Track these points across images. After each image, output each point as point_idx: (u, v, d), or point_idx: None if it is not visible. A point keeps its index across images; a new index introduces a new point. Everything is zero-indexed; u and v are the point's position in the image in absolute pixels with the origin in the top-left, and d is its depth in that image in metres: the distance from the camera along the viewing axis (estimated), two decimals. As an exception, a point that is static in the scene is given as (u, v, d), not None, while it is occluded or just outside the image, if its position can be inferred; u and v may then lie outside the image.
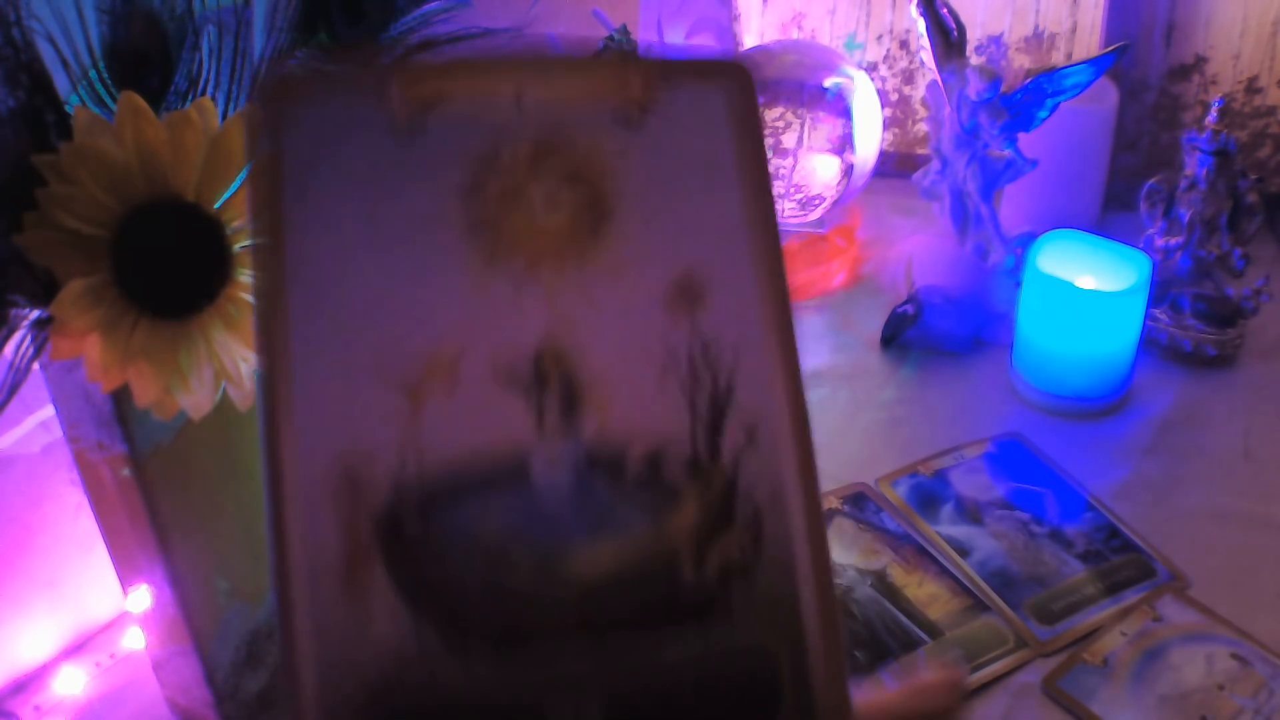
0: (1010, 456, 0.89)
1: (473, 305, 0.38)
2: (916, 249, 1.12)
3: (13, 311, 0.50)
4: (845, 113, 1.12)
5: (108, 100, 0.53)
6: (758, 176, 0.40)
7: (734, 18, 1.30)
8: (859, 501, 0.85)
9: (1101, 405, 0.94)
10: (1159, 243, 1.01)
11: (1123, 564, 0.79)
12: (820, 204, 1.15)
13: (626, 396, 0.39)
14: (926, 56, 1.06)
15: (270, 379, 0.37)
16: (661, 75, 0.40)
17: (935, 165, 1.12)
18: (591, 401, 0.39)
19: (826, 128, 1.12)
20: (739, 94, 0.41)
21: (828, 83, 1.12)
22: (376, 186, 0.39)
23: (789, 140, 1.12)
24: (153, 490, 0.58)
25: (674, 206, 0.40)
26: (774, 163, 1.13)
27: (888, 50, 1.27)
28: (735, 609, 0.39)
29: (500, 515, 0.38)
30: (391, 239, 0.38)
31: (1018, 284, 0.98)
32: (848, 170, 1.14)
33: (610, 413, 0.39)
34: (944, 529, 0.82)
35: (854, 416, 0.95)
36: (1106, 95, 1.13)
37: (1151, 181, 1.02)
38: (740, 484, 0.39)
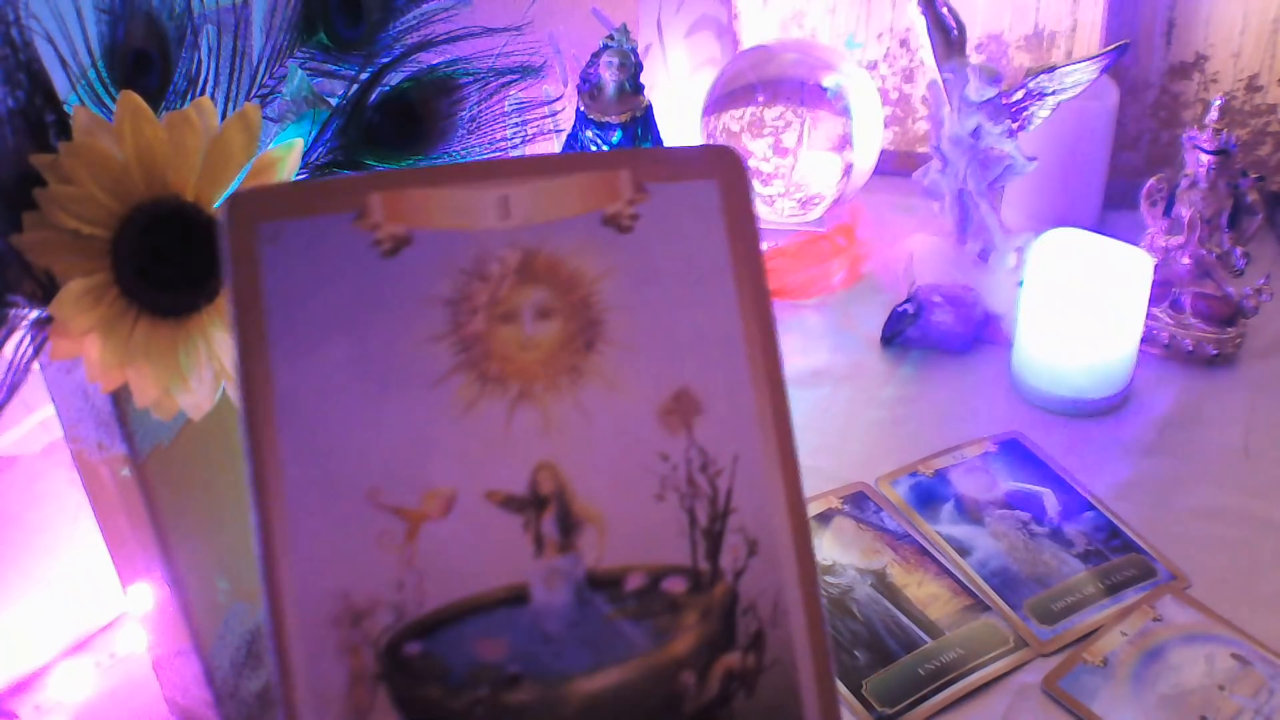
0: (1010, 456, 0.89)
1: (467, 434, 0.38)
2: (917, 248, 1.12)
3: (13, 311, 0.50)
4: (845, 111, 1.12)
5: (107, 100, 0.53)
6: (753, 272, 0.39)
7: (733, 16, 1.30)
8: (859, 501, 0.85)
9: (1101, 405, 0.94)
10: (1159, 242, 1.01)
11: (1123, 564, 0.79)
12: (820, 203, 1.15)
13: (625, 514, 0.38)
14: (927, 55, 1.06)
15: (264, 511, 0.37)
16: (652, 173, 0.39)
17: (935, 164, 1.12)
18: (590, 521, 0.38)
19: (826, 126, 1.12)
20: (732, 184, 0.39)
21: (828, 81, 1.12)
22: (362, 307, 0.37)
23: (789, 139, 1.12)
24: (153, 490, 0.58)
25: (668, 313, 0.39)
26: (774, 161, 1.13)
27: (888, 49, 1.27)
28: (737, 715, 0.38)
29: (501, 635, 0.38)
30: (381, 366, 0.37)
31: (1018, 283, 0.98)
32: (848, 169, 1.14)
33: (609, 531, 0.38)
34: (944, 529, 0.82)
35: (854, 416, 0.95)
36: (1107, 93, 1.13)
37: (1152, 180, 1.02)
38: (742, 596, 0.39)
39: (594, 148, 0.93)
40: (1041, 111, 1.03)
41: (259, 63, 0.59)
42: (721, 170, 0.40)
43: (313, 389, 0.37)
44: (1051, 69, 1.01)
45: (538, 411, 0.38)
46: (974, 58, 1.13)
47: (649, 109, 0.94)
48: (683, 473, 0.39)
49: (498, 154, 0.67)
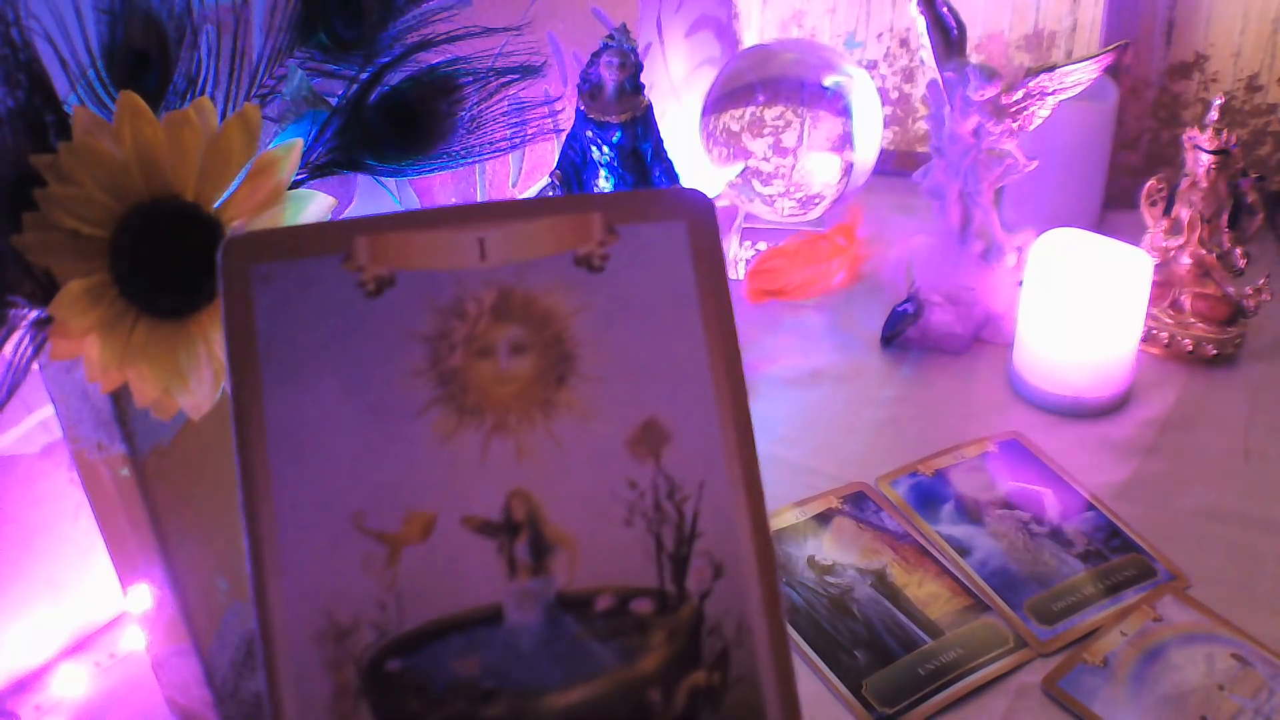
0: (1010, 456, 0.89)
1: (445, 462, 0.40)
2: (916, 248, 1.12)
3: (13, 311, 0.50)
4: (845, 111, 1.12)
5: (106, 100, 0.53)
6: (720, 310, 0.41)
7: (733, 16, 1.30)
8: (859, 501, 0.85)
9: (1101, 405, 0.94)
10: (1159, 242, 1.01)
11: (1123, 564, 0.79)
12: (820, 202, 1.15)
13: (595, 539, 0.41)
14: (926, 55, 1.06)
15: (255, 535, 0.39)
16: (622, 215, 0.41)
17: (935, 163, 1.11)
18: (561, 545, 0.40)
19: (826, 126, 1.12)
20: (699, 224, 0.42)
21: (828, 81, 1.12)
22: (348, 344, 0.40)
23: (789, 139, 1.12)
24: (153, 490, 0.58)
25: (638, 348, 0.41)
26: (774, 161, 1.13)
27: (888, 48, 1.26)
28: None
29: (477, 653, 0.40)
30: (365, 399, 0.40)
31: (1018, 283, 0.98)
32: (848, 169, 1.14)
33: (579, 555, 0.40)
34: (944, 529, 0.82)
35: (854, 416, 0.95)
36: (1107, 93, 1.13)
37: (1152, 180, 1.02)
38: (707, 617, 0.41)
39: (594, 148, 0.93)
40: (1041, 111, 1.03)
41: (259, 63, 0.59)
42: (689, 212, 0.42)
43: (302, 420, 0.39)
44: (1051, 69, 1.01)
45: (512, 441, 0.40)
46: (974, 57, 1.13)
47: (649, 109, 0.93)
48: (650, 499, 0.41)
49: (497, 153, 0.67)
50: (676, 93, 1.24)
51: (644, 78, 0.93)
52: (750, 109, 1.12)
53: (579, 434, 0.41)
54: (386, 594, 0.39)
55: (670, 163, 0.96)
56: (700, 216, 0.42)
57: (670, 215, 0.42)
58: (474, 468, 0.40)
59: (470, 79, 0.66)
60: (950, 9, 1.05)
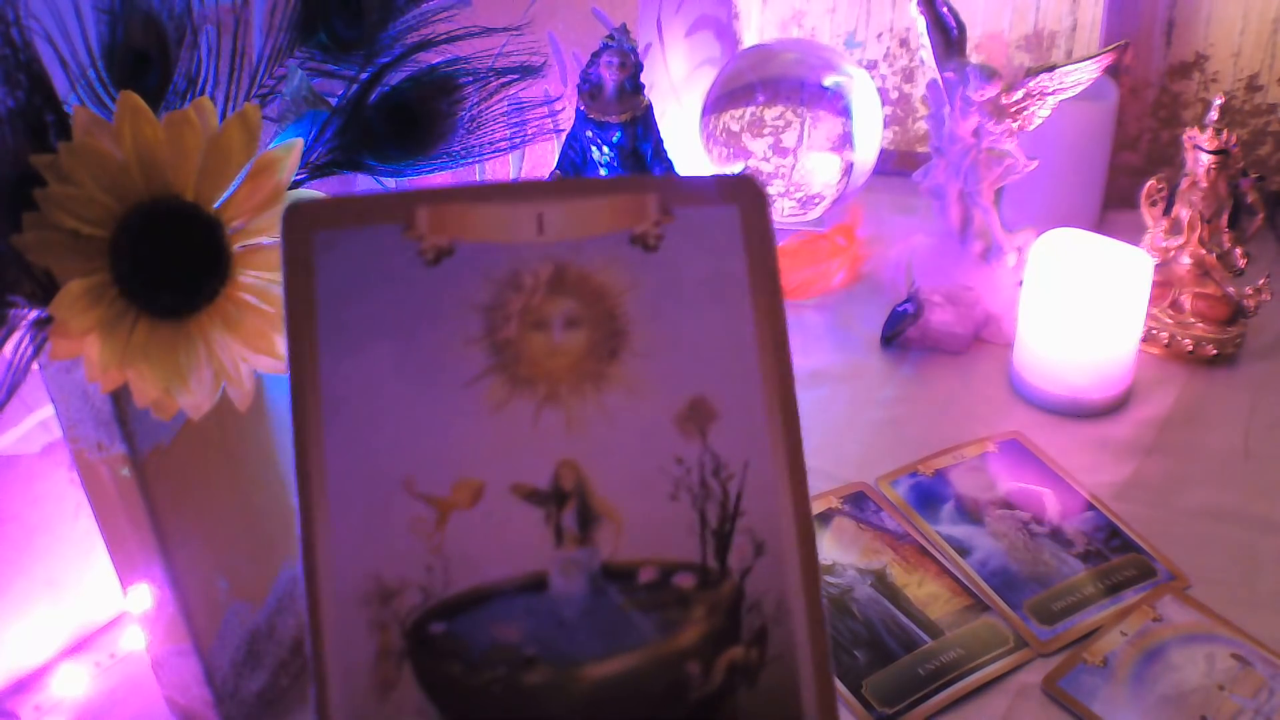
0: (1010, 456, 0.89)
1: (496, 431, 0.41)
2: (916, 248, 1.12)
3: (13, 311, 0.50)
4: (845, 111, 1.12)
5: (107, 100, 0.53)
6: (770, 293, 0.42)
7: (733, 16, 1.30)
8: (859, 501, 0.85)
9: (1101, 405, 0.94)
10: (1159, 242, 1.01)
11: (1123, 564, 0.79)
12: (820, 202, 1.15)
13: (640, 511, 0.41)
14: (926, 55, 1.06)
15: (305, 497, 0.40)
16: (678, 198, 0.42)
17: (935, 163, 1.11)
18: (607, 516, 0.41)
19: (826, 126, 1.12)
20: (752, 211, 0.43)
21: (828, 81, 1.12)
22: (405, 311, 0.41)
23: (789, 139, 1.12)
24: (153, 490, 0.58)
25: (688, 327, 0.42)
26: (774, 161, 1.13)
27: (888, 48, 1.26)
28: (739, 707, 0.41)
29: (520, 619, 0.41)
30: (420, 366, 0.40)
31: (1018, 283, 0.98)
32: (848, 169, 1.14)
33: (625, 527, 0.41)
34: (944, 529, 0.82)
35: (854, 416, 0.95)
36: (1107, 93, 1.13)
37: (1152, 180, 1.02)
38: (747, 594, 0.41)
39: (594, 148, 0.93)
40: (1041, 111, 1.03)
41: (259, 63, 0.59)
42: (743, 197, 0.43)
43: (357, 385, 0.40)
44: (1051, 69, 1.01)
45: (562, 413, 0.41)
46: (974, 57, 1.13)
47: (649, 109, 0.94)
48: (696, 476, 0.42)
49: (497, 153, 0.68)
50: (676, 93, 1.24)
51: (644, 78, 0.93)
52: (750, 109, 1.12)
53: (628, 408, 0.41)
54: (433, 558, 0.40)
55: (670, 163, 0.96)
56: (754, 202, 0.43)
57: (724, 199, 0.42)
58: (524, 437, 0.41)
59: (470, 79, 0.66)
60: (950, 9, 1.05)
